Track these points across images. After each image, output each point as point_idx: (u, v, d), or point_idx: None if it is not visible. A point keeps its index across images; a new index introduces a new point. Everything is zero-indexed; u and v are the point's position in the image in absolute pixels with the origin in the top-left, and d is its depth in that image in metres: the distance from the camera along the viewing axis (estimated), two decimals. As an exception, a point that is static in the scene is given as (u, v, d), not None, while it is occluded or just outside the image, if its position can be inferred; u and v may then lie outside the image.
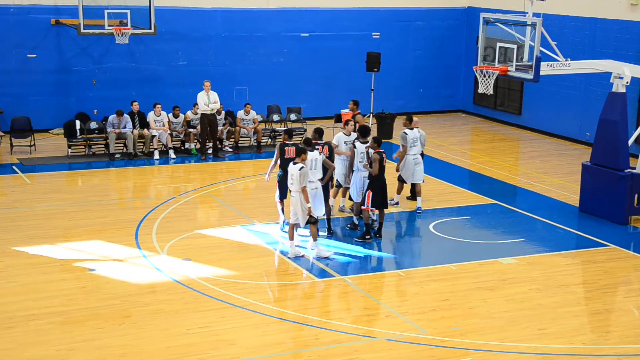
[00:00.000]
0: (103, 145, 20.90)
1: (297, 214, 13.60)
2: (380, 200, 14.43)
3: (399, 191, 16.69)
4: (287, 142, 14.70)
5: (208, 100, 20.45)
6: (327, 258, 13.69)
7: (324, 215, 14.53)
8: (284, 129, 16.87)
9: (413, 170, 16.36)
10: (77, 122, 21.10)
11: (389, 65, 25.39)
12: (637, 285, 13.21)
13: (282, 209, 15.07)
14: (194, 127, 21.16)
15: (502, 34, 16.48)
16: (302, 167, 13.38)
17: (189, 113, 21.28)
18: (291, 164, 13.62)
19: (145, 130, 20.77)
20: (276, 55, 25.26)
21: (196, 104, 20.86)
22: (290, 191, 13.90)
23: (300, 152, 13.56)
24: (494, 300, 12.35)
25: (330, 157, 14.72)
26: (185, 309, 11.66)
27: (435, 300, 12.28)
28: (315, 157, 14.11)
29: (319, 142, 14.73)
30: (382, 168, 14.35)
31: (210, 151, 21.02)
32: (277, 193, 14.94)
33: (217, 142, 20.96)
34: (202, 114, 20.57)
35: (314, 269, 13.36)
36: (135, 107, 20.72)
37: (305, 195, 13.39)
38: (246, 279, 12.80)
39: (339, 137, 15.56)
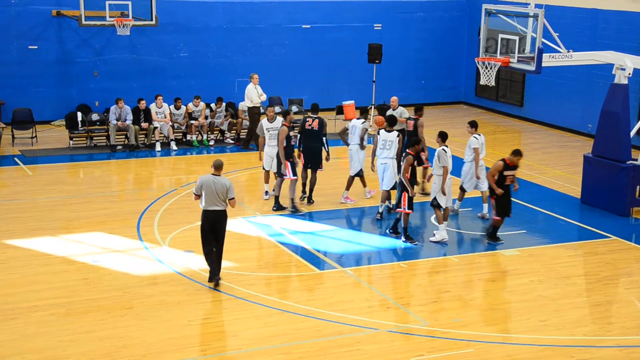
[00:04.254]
0: (104, 137, 20.91)
1: (444, 195, 14.13)
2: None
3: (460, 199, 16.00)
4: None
5: (258, 93, 20.47)
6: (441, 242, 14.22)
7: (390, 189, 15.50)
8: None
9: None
10: (79, 114, 21.11)
11: (390, 57, 25.35)
12: (639, 276, 13.21)
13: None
14: (196, 119, 21.16)
15: (504, 25, 16.45)
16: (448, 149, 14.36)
17: (190, 105, 21.27)
18: (442, 148, 14.34)
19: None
20: (277, 47, 25.23)
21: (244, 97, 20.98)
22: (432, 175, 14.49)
23: (445, 136, 14.44)
24: (496, 292, 12.36)
25: (320, 131, 15.89)
26: (187, 301, 11.68)
27: (437, 291, 12.29)
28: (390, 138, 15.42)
29: (312, 115, 16.13)
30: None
31: (208, 141, 21.09)
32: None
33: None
34: (251, 108, 20.51)
35: (316, 261, 13.37)
36: (142, 104, 20.70)
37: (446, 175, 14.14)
38: (247, 271, 12.81)
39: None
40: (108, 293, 11.90)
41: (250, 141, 20.92)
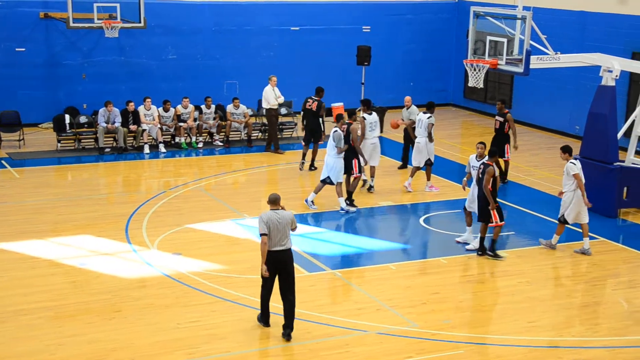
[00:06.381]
0: (93, 140, 20.84)
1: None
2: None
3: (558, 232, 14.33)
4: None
5: (275, 95, 20.43)
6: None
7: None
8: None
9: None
10: (67, 116, 21.02)
11: (379, 59, 25.35)
12: (626, 277, 13.27)
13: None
14: (184, 121, 21.12)
15: (493, 27, 16.49)
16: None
17: (179, 107, 21.23)
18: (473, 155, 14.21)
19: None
20: (266, 49, 25.21)
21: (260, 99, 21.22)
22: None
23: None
24: (484, 293, 12.39)
25: (318, 112, 18.13)
26: (176, 304, 11.65)
27: (426, 293, 12.30)
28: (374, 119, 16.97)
29: (313, 97, 18.64)
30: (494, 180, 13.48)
31: (204, 142, 21.05)
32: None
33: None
34: (268, 109, 20.52)
35: (305, 263, 13.35)
36: (131, 107, 20.65)
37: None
38: (236, 273, 12.79)
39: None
40: (96, 296, 11.86)
41: (271, 143, 20.91)
